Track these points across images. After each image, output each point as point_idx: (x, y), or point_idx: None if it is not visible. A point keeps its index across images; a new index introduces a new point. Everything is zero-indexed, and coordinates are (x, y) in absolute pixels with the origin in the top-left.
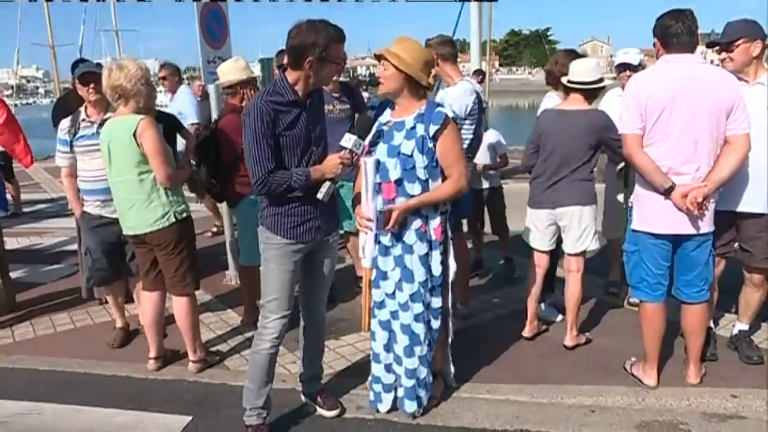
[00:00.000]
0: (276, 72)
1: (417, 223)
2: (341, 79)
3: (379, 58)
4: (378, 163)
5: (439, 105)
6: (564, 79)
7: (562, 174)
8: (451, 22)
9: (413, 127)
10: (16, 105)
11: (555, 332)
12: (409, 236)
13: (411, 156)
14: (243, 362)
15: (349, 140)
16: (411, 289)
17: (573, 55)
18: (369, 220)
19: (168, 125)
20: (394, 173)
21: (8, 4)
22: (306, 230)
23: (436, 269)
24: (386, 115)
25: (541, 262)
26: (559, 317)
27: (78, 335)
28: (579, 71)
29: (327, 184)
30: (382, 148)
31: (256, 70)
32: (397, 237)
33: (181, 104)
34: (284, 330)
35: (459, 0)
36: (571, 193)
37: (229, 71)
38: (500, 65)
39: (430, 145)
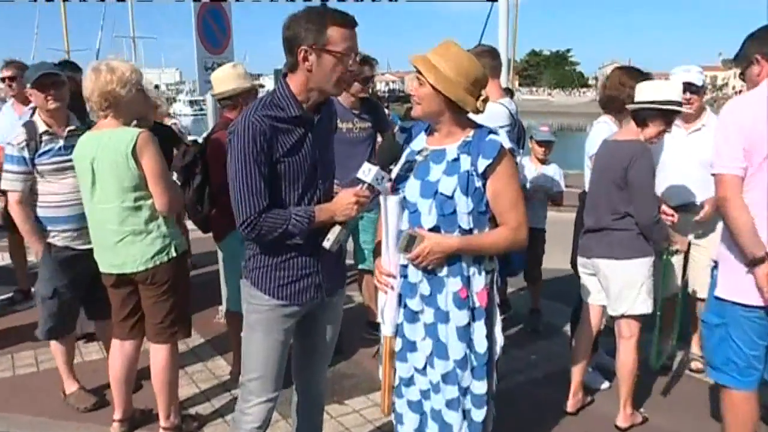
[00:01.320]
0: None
1: (456, 284)
2: (361, 94)
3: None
4: (404, 202)
5: (492, 132)
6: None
7: (595, 217)
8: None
9: (456, 159)
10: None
11: (602, 404)
12: (445, 301)
13: (452, 197)
14: (225, 429)
15: (368, 172)
16: (444, 367)
17: (639, 74)
18: (390, 276)
19: (164, 139)
20: (428, 219)
21: (26, 7)
22: (303, 289)
23: (480, 345)
24: (420, 141)
25: (591, 317)
26: (605, 384)
27: (39, 381)
28: (661, 89)
29: (336, 229)
30: (413, 185)
31: (269, 84)
32: (429, 301)
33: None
34: (269, 417)
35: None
36: (603, 242)
37: (226, 79)
38: (520, 85)
39: (479, 184)
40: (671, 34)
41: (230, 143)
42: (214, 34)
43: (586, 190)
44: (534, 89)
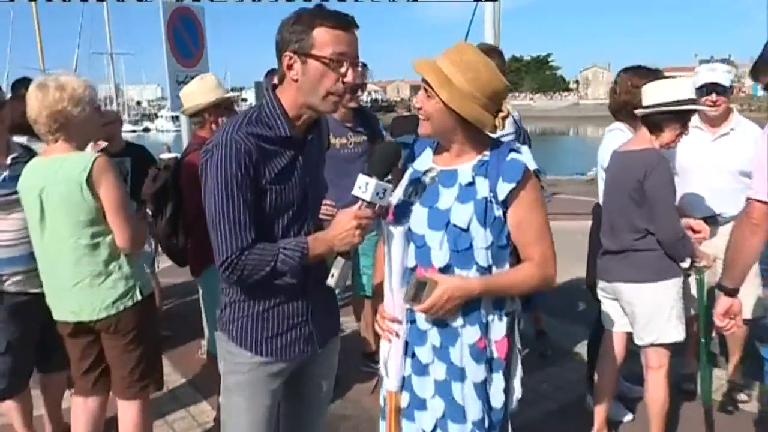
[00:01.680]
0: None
1: (472, 334)
2: (352, 104)
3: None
4: (409, 234)
5: (513, 149)
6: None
7: (613, 237)
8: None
9: (471, 183)
10: None
11: None
12: (460, 355)
13: (467, 230)
14: None
15: (365, 187)
16: (460, 431)
17: (650, 74)
18: (395, 321)
19: (138, 160)
20: (440, 255)
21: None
22: (291, 341)
23: (497, 400)
24: (426, 160)
25: (614, 346)
26: (629, 416)
27: None
28: (670, 88)
29: (340, 262)
30: (419, 214)
31: (251, 97)
32: (441, 354)
33: None
34: None
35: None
36: (625, 265)
37: (192, 94)
38: None
39: (498, 212)
40: (649, 37)
41: (206, 166)
42: (186, 45)
43: (600, 202)
44: (516, 94)
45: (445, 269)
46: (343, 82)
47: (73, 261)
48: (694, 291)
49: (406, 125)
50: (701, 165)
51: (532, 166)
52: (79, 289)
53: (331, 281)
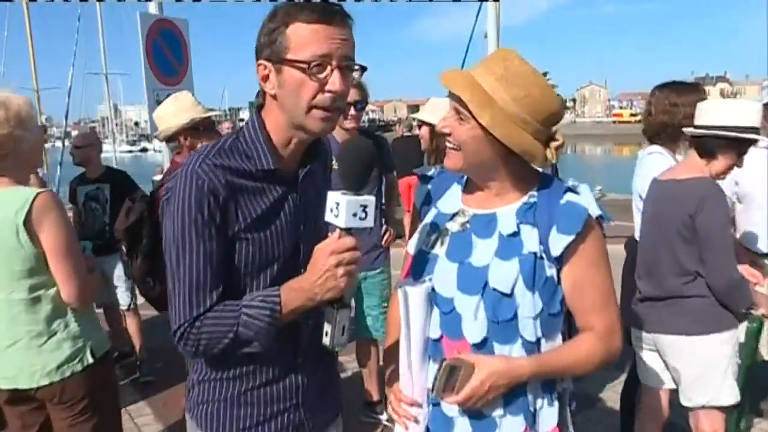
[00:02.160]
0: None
1: (515, 426)
2: (351, 124)
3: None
4: (431, 295)
5: (569, 189)
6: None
7: (656, 281)
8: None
9: (516, 234)
10: None
11: None
12: None
13: (511, 295)
14: None
15: (335, 207)
16: None
17: (691, 89)
18: (414, 405)
19: (119, 187)
20: (474, 327)
21: None
22: (277, 431)
23: None
24: (453, 199)
25: (655, 404)
26: None
27: None
28: (735, 110)
29: (332, 314)
30: (446, 270)
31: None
32: None
33: None
34: None
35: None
36: (670, 314)
37: (167, 115)
38: None
39: (551, 271)
40: (645, 55)
41: (166, 208)
42: (167, 61)
43: (636, 237)
44: None
45: (482, 344)
46: (329, 91)
47: (7, 318)
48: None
49: (407, 147)
50: (764, 189)
51: (594, 211)
52: (15, 351)
53: (326, 340)
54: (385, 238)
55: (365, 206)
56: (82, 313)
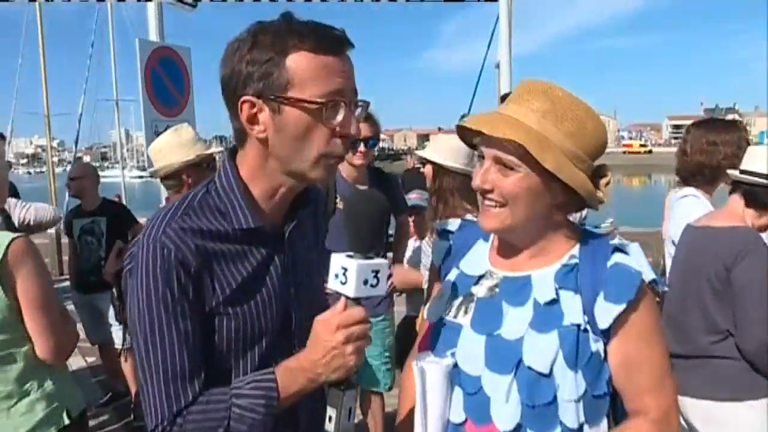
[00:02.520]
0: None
1: None
2: (359, 161)
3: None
4: (453, 372)
5: (617, 248)
6: (735, 171)
7: (683, 337)
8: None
9: (554, 301)
10: (29, 173)
11: None
12: None
13: (549, 375)
14: None
15: (343, 274)
16: None
17: (730, 127)
18: None
19: (115, 220)
20: (505, 411)
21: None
22: None
23: None
24: (479, 258)
25: None
26: None
27: None
28: None
29: (337, 396)
30: (472, 343)
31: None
32: None
33: None
34: None
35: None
36: (698, 376)
37: (163, 151)
38: None
39: (596, 346)
40: (654, 86)
41: (126, 281)
42: (167, 91)
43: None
44: None
45: (514, 431)
46: (344, 136)
47: None
48: None
49: (418, 180)
50: None
51: (648, 275)
52: None
53: (329, 427)
54: (390, 282)
55: (377, 271)
56: (57, 370)
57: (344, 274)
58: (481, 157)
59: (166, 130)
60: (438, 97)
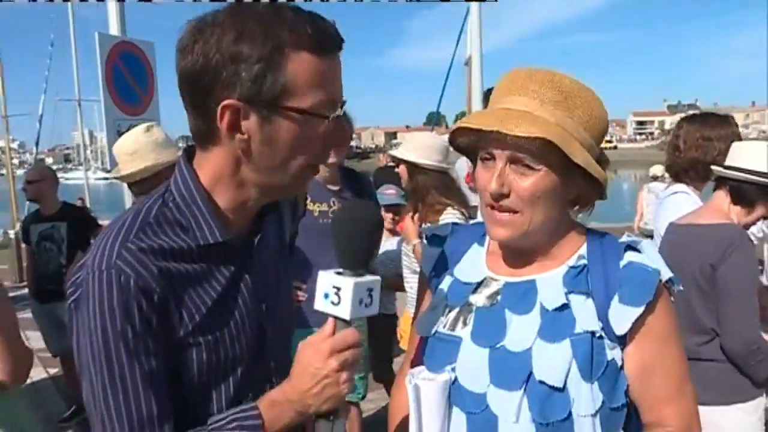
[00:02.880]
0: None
1: None
2: (333, 160)
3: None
4: (453, 391)
5: (629, 246)
6: (719, 167)
7: None
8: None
9: (565, 306)
10: None
11: None
12: None
13: (563, 389)
14: None
15: (335, 293)
16: None
17: (722, 122)
18: None
19: (77, 225)
20: (515, 431)
21: None
22: None
23: None
24: (475, 263)
25: None
26: None
27: None
28: None
29: (325, 428)
30: (473, 357)
31: None
32: None
33: None
34: None
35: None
36: None
37: (139, 152)
38: None
39: (613, 354)
40: (617, 83)
41: (73, 312)
42: (130, 88)
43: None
44: None
45: None
46: (335, 146)
47: None
48: None
49: (390, 178)
50: None
51: (666, 273)
52: None
53: None
54: None
55: (371, 289)
56: (10, 394)
57: (337, 294)
58: (486, 158)
59: (129, 129)
60: (405, 94)
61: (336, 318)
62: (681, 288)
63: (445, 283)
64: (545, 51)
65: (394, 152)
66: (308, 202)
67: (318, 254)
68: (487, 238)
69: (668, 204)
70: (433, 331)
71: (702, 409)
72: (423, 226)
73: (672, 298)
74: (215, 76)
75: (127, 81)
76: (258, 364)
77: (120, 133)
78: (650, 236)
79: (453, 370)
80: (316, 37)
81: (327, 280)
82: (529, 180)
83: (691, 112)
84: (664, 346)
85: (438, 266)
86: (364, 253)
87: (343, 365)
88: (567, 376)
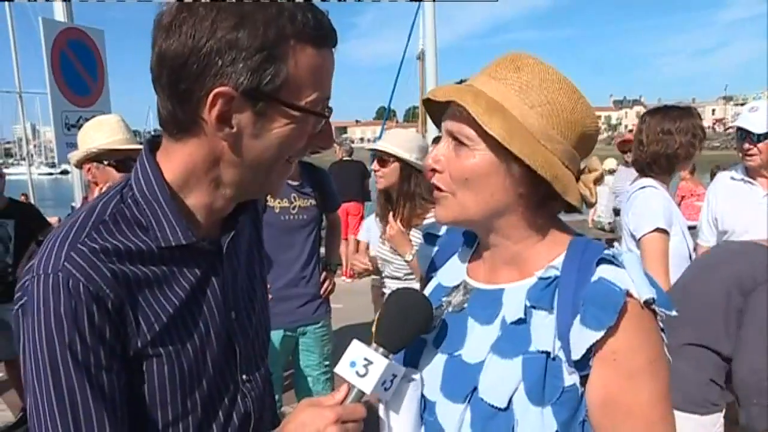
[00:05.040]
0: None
1: None
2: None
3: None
4: (420, 391)
5: (605, 259)
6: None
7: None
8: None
9: (522, 321)
10: None
11: None
12: None
13: (506, 409)
14: None
15: (364, 365)
16: None
17: (682, 114)
18: None
19: (24, 222)
20: None
21: None
22: None
23: None
24: (457, 267)
25: None
26: None
27: None
28: None
29: None
30: (432, 362)
31: None
32: None
33: None
34: None
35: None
36: None
37: (105, 129)
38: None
39: (571, 380)
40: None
41: (20, 318)
42: (79, 77)
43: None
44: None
45: None
46: (318, 146)
47: None
48: None
49: (347, 173)
50: (753, 226)
51: (643, 292)
52: None
53: None
54: (325, 286)
55: (396, 376)
56: None
57: (366, 366)
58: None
59: (78, 120)
60: (355, 89)
61: (356, 388)
62: (675, 313)
63: (431, 286)
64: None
65: (388, 149)
66: (268, 198)
67: (280, 251)
68: (476, 240)
69: (636, 198)
70: None
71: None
72: (411, 230)
73: (660, 324)
74: (207, 61)
75: (77, 69)
76: (226, 381)
77: (68, 125)
78: (603, 230)
79: (419, 371)
80: (318, 29)
81: (360, 350)
82: (460, 159)
83: (636, 107)
84: (632, 381)
85: (430, 267)
86: (406, 340)
87: None
88: (512, 398)
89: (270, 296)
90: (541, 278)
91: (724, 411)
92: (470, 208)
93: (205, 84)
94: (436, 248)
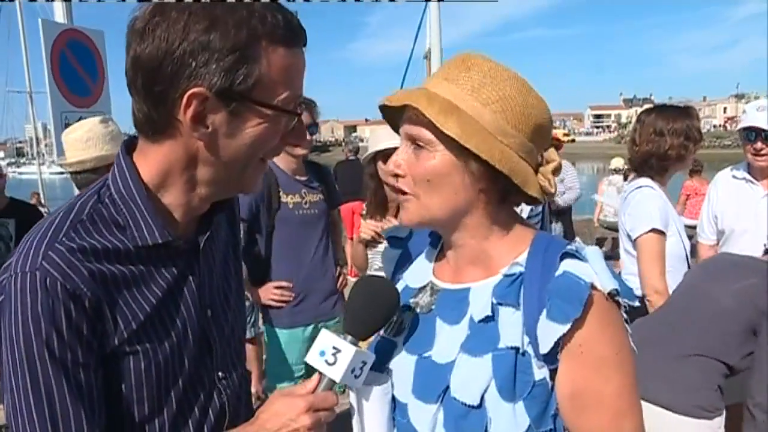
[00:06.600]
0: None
1: None
2: (299, 151)
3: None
4: (390, 394)
5: (568, 253)
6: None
7: (666, 331)
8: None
9: (490, 318)
10: None
11: None
12: None
13: (479, 406)
14: None
15: (332, 354)
16: None
17: (680, 114)
18: None
19: (25, 222)
20: None
21: None
22: None
23: None
24: (423, 268)
25: None
26: None
27: None
28: None
29: None
30: (403, 363)
31: None
32: None
33: None
34: None
35: None
36: (661, 377)
37: (93, 140)
38: None
39: (541, 374)
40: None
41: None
42: (79, 78)
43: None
44: None
45: None
46: (292, 145)
47: None
48: None
49: (352, 172)
50: (753, 227)
51: (606, 284)
52: None
53: None
54: (340, 281)
55: (365, 363)
56: None
57: (335, 355)
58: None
59: (78, 121)
60: (364, 88)
61: (326, 377)
62: (637, 304)
63: (398, 287)
64: (504, 45)
65: (395, 144)
66: (280, 194)
67: (295, 248)
68: (441, 241)
69: (633, 199)
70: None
71: (662, 412)
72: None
73: (624, 315)
74: (181, 64)
75: (76, 70)
76: (202, 378)
77: (68, 126)
78: (609, 228)
79: (390, 374)
80: (288, 30)
81: (328, 339)
82: (420, 161)
83: (646, 105)
84: (600, 372)
85: (396, 270)
86: (373, 326)
87: (315, 424)
88: (484, 395)
89: (291, 294)
90: (506, 275)
91: (723, 415)
92: (435, 209)
93: (179, 85)
94: (399, 251)
